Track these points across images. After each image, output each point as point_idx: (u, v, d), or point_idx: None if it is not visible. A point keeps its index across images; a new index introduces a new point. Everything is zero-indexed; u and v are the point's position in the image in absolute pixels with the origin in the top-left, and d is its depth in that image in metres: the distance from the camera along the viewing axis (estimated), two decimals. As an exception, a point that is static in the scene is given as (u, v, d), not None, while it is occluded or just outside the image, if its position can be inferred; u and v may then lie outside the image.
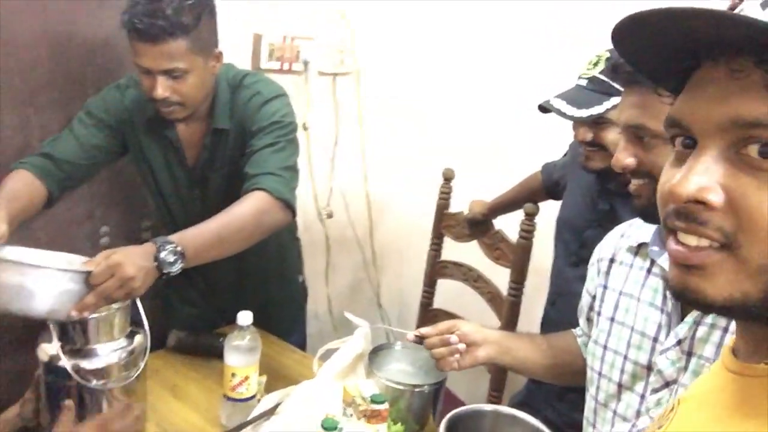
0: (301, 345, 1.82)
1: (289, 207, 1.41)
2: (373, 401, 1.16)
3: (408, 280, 2.60)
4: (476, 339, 1.21)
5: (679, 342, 0.93)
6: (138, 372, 1.23)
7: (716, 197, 0.47)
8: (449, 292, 2.13)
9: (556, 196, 1.73)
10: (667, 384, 0.96)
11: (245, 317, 1.31)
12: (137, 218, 1.85)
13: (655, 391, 0.97)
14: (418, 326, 2.04)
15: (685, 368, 0.93)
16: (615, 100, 1.24)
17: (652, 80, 0.61)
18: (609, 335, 1.07)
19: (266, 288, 1.77)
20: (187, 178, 1.58)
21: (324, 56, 2.16)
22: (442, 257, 2.11)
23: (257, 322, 1.68)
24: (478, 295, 1.94)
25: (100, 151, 1.51)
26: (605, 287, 1.12)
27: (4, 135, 1.50)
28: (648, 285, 1.02)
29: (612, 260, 1.13)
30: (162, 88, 1.36)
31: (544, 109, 1.36)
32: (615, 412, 1.04)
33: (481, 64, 2.22)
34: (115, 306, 1.19)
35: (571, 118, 1.31)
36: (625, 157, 0.95)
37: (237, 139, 1.51)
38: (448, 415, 1.17)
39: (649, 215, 0.96)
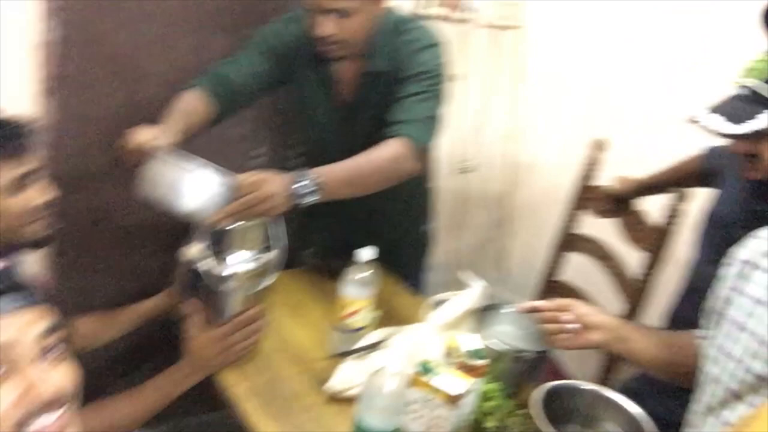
0: (421, 290, 1.86)
1: (425, 157, 1.43)
2: (472, 355, 1.18)
3: (536, 248, 2.55)
4: (592, 321, 1.18)
5: None
6: (265, 284, 1.34)
7: None
8: (576, 267, 2.06)
9: (709, 185, 1.59)
10: None
11: (366, 253, 1.37)
12: (288, 147, 1.97)
13: None
14: (536, 296, 2.04)
15: None
16: None
17: None
18: (734, 342, 1.00)
19: (394, 230, 1.82)
20: (339, 114, 1.65)
21: (491, 8, 2.11)
22: (576, 230, 2.04)
23: (381, 261, 1.77)
24: (605, 275, 1.87)
25: (263, 79, 1.60)
26: (741, 292, 1.04)
27: (181, 56, 1.65)
28: None
29: (755, 266, 1.03)
30: (326, 26, 1.42)
31: (699, 123, 1.21)
32: (723, 420, 0.98)
33: (658, 35, 2.05)
34: (253, 221, 1.30)
35: (730, 136, 1.19)
36: None
37: (389, 83, 1.54)
38: (544, 387, 1.17)
39: None
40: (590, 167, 1.98)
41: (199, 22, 1.65)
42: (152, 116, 1.65)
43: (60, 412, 0.76)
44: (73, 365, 0.79)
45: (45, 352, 0.75)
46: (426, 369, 1.11)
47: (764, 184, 1.27)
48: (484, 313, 1.40)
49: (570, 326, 1.17)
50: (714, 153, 1.64)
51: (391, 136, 1.43)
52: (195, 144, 1.72)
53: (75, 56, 1.50)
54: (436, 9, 1.99)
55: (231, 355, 1.31)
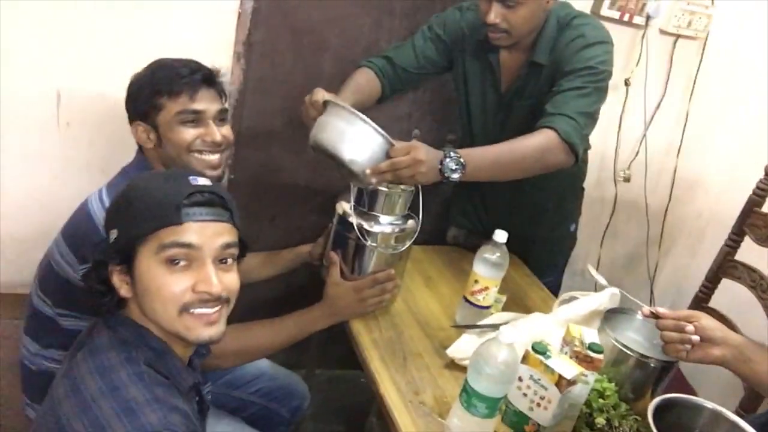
0: (553, 289, 1.87)
1: (574, 151, 1.44)
2: (590, 347, 1.20)
3: (690, 270, 2.42)
4: (715, 336, 1.16)
5: None
6: (403, 248, 1.45)
7: None
8: (732, 296, 1.94)
9: None
10: None
11: (501, 235, 1.42)
12: (444, 130, 2.06)
13: None
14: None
15: None
16: None
17: None
18: None
19: (536, 223, 1.84)
20: (496, 102, 1.70)
21: (671, 14, 2.04)
22: (736, 256, 1.92)
23: (520, 252, 1.80)
24: (763, 309, 1.75)
25: (431, 64, 1.70)
26: None
27: (360, 32, 1.79)
28: None
29: None
30: (494, 14, 1.47)
31: None
32: None
33: None
34: (401, 188, 1.40)
35: None
36: None
37: (550, 76, 1.56)
38: (662, 397, 1.15)
39: None
40: (758, 191, 1.86)
41: (380, 2, 1.78)
42: (328, 87, 1.83)
43: (219, 307, 0.93)
44: (238, 276, 0.96)
45: (222, 259, 0.93)
46: (541, 349, 1.14)
47: None
48: (613, 316, 1.39)
49: (692, 337, 1.16)
50: None
51: (542, 127, 1.44)
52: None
53: (263, 26, 1.68)
54: (613, 11, 1.96)
55: (363, 307, 1.43)
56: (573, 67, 1.49)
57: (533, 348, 1.15)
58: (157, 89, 1.26)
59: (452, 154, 1.33)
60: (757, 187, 1.86)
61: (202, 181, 0.96)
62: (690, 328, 1.16)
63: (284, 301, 1.53)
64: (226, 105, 1.36)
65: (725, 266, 1.93)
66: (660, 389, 1.31)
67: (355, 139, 1.30)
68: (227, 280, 0.95)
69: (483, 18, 1.50)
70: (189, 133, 1.27)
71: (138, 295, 0.93)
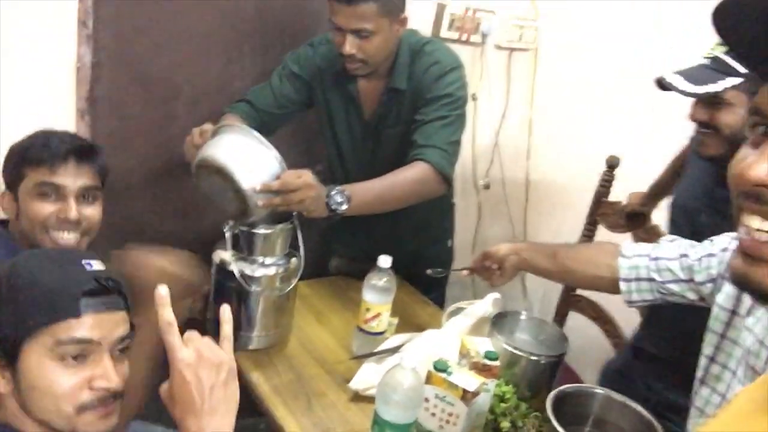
0: (439, 303, 1.92)
1: (447, 180, 1.56)
2: (486, 357, 1.24)
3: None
4: (502, 256, 1.46)
5: None
6: (290, 287, 1.42)
7: None
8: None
9: None
10: None
11: (385, 260, 1.44)
12: (312, 163, 2.05)
13: None
14: (560, 310, 2.10)
15: None
16: (733, 81, 1.21)
17: (746, 65, 0.61)
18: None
19: (416, 244, 1.89)
20: (362, 130, 1.74)
21: (503, 30, 2.20)
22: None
23: (404, 273, 1.84)
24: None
25: (291, 102, 1.71)
26: (724, 278, 1.10)
27: (211, 74, 1.75)
28: None
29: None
30: (350, 45, 1.51)
31: (662, 85, 1.31)
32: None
33: (670, 54, 2.12)
34: (280, 226, 1.38)
35: (686, 93, 1.26)
36: None
37: (412, 101, 1.64)
38: (556, 390, 1.22)
39: None
40: (604, 183, 2.04)
41: (232, 42, 1.75)
42: (183, 133, 1.76)
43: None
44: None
45: (120, 349, 0.86)
46: (442, 367, 1.17)
47: (723, 167, 1.31)
48: (499, 321, 1.46)
49: (492, 266, 1.48)
50: (693, 139, 1.70)
51: (416, 159, 1.53)
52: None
53: (106, 79, 1.60)
54: (452, 32, 2.07)
55: None
56: (434, 94, 1.58)
57: (435, 367, 1.17)
58: (23, 157, 1.19)
59: (339, 188, 1.38)
60: (603, 179, 2.04)
61: (97, 266, 0.88)
62: (488, 263, 1.49)
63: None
64: (99, 184, 1.26)
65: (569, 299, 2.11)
66: (554, 383, 1.39)
67: (248, 157, 1.29)
68: (123, 371, 0.88)
69: (339, 50, 1.54)
70: (44, 208, 1.17)
71: (21, 392, 0.83)
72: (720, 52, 1.26)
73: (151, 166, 1.75)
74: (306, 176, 1.32)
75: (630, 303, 1.29)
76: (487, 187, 2.44)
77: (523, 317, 1.52)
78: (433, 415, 1.18)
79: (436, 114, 1.57)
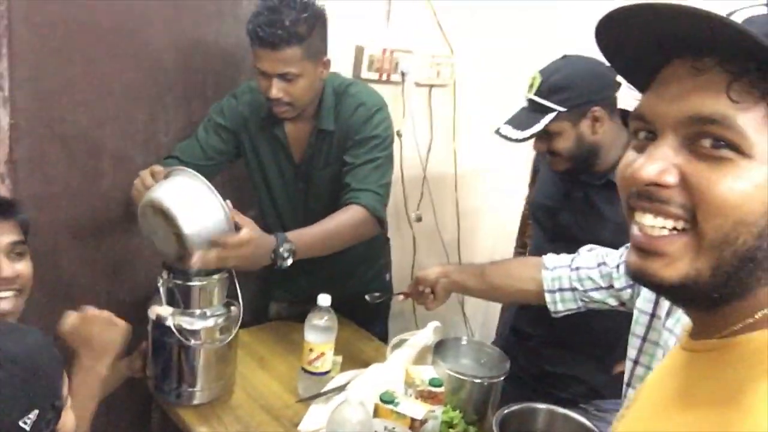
0: (383, 337, 1.94)
1: (381, 222, 1.63)
2: (431, 384, 1.27)
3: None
4: (433, 279, 1.53)
5: None
6: (231, 337, 1.41)
7: (671, 177, 0.53)
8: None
9: None
10: None
11: (324, 299, 1.46)
12: (244, 208, 2.05)
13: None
14: (499, 330, 2.16)
15: None
16: (549, 116, 1.42)
17: (624, 76, 0.64)
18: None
19: (355, 282, 1.91)
20: (293, 172, 1.76)
21: (421, 68, 2.28)
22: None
23: (345, 311, 1.85)
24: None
25: (219, 153, 1.73)
26: None
27: (135, 129, 1.74)
28: None
29: None
30: (276, 89, 1.54)
31: (499, 134, 1.50)
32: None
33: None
34: (216, 276, 1.37)
35: (516, 140, 1.46)
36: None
37: (340, 141, 1.68)
38: (502, 410, 1.26)
39: None
40: (528, 207, 2.14)
41: (154, 96, 1.74)
42: (110, 190, 1.74)
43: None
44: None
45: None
46: (388, 398, 1.18)
47: (573, 176, 1.55)
48: (441, 348, 1.49)
49: (425, 290, 1.55)
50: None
51: (351, 203, 1.58)
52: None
53: (26, 140, 1.56)
54: (372, 73, 2.14)
55: None
56: (362, 136, 1.64)
57: (381, 399, 1.19)
58: None
59: (284, 242, 1.43)
60: (526, 203, 2.14)
61: None
62: (420, 287, 1.56)
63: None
64: (23, 238, 1.22)
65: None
66: (496, 403, 1.43)
67: (194, 202, 1.30)
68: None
69: (265, 94, 1.57)
70: None
71: None
72: (532, 94, 1.45)
73: (78, 226, 1.71)
74: (245, 234, 1.33)
75: (555, 313, 1.37)
76: (419, 219, 2.50)
77: (464, 342, 1.56)
78: (385, 448, 1.19)
79: (367, 157, 1.63)
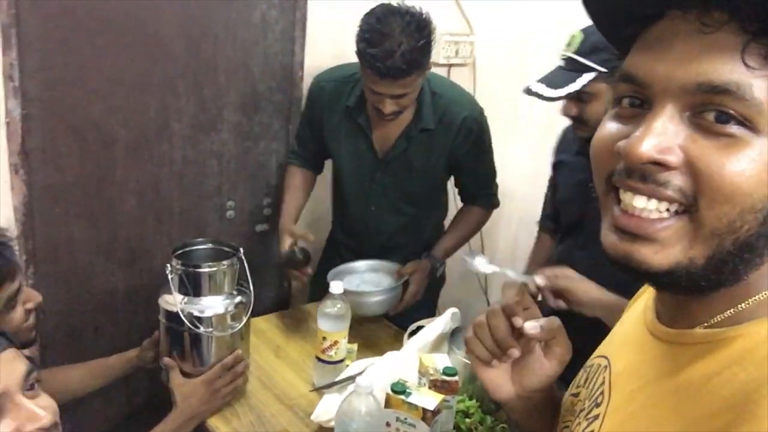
0: (402, 324, 1.90)
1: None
2: (444, 372, 1.23)
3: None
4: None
5: None
6: (241, 324, 1.39)
7: (674, 157, 0.45)
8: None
9: None
10: None
11: (337, 286, 1.42)
12: (260, 195, 2.04)
13: None
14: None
15: None
16: (589, 76, 1.31)
17: (605, 33, 0.57)
18: None
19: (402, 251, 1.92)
20: (372, 162, 1.77)
21: (439, 47, 2.22)
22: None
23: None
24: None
25: (316, 140, 1.83)
26: None
27: (147, 117, 1.73)
28: None
29: None
30: (390, 106, 1.57)
31: (529, 92, 1.40)
32: None
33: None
34: (224, 263, 1.35)
35: (548, 98, 1.36)
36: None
37: (440, 141, 1.72)
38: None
39: None
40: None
41: (165, 83, 1.73)
42: (124, 180, 1.73)
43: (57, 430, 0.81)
44: (49, 396, 0.84)
45: (29, 388, 0.80)
46: (399, 389, 1.15)
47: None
48: (458, 335, 1.45)
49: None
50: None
51: (477, 205, 1.90)
52: (172, 199, 1.80)
53: (38, 131, 1.55)
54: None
55: (219, 399, 1.34)
56: (481, 147, 1.79)
57: (392, 389, 1.15)
58: None
59: (436, 260, 1.85)
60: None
61: None
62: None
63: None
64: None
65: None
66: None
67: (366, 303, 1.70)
68: (45, 403, 0.81)
69: (375, 105, 1.60)
70: None
71: None
72: (571, 52, 1.35)
73: (92, 216, 1.71)
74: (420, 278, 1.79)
75: None
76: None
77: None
78: (397, 438, 1.16)
79: (481, 159, 1.82)
